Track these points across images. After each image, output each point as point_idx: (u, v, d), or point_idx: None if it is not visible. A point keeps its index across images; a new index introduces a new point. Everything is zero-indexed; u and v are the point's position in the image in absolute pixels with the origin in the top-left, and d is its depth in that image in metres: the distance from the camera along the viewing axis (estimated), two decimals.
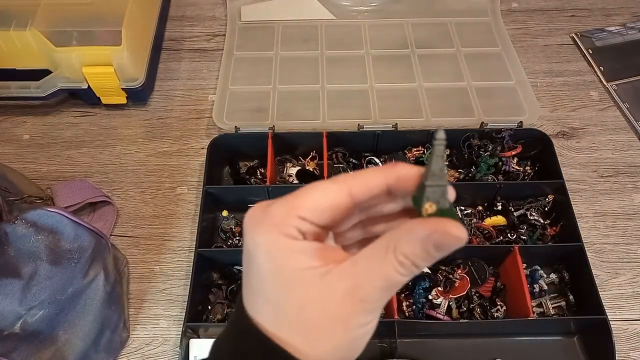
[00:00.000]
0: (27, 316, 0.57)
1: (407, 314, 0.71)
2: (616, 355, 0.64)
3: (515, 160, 0.82)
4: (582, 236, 0.72)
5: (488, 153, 0.81)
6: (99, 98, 0.90)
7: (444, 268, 0.73)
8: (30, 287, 0.57)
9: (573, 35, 1.03)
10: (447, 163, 0.82)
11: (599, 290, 0.68)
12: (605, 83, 0.96)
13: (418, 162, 0.82)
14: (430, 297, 0.70)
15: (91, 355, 0.63)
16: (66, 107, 0.93)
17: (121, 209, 0.82)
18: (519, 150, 0.82)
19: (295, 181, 0.81)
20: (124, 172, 0.86)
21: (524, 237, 0.76)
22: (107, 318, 0.65)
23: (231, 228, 0.78)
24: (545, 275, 0.74)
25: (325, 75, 0.94)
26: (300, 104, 0.91)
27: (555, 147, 0.80)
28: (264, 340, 0.28)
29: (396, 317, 0.65)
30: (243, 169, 0.84)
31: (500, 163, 0.81)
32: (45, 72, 0.86)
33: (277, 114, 0.89)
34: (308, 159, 0.84)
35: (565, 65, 0.99)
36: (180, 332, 0.67)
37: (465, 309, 0.71)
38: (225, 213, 0.78)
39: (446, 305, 0.70)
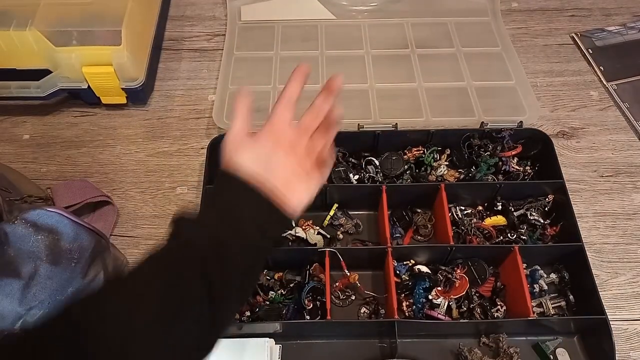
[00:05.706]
0: (27, 316, 0.56)
1: (407, 314, 0.71)
2: (616, 355, 0.64)
3: (515, 160, 0.82)
4: (582, 236, 0.72)
5: (488, 153, 0.81)
6: (99, 98, 0.90)
7: (444, 268, 0.73)
8: (30, 287, 0.57)
9: (573, 35, 1.03)
10: (447, 163, 0.82)
11: (599, 290, 0.68)
12: (605, 83, 0.96)
13: (418, 161, 0.82)
14: (430, 297, 0.70)
15: None
16: (66, 107, 0.93)
17: (121, 209, 0.82)
18: (519, 150, 0.82)
19: None
20: (124, 172, 0.86)
21: (524, 237, 0.76)
22: None
23: None
24: (545, 275, 0.73)
25: (325, 75, 0.94)
26: (300, 104, 0.90)
27: (555, 147, 0.80)
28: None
29: (396, 317, 0.66)
30: None
31: (501, 163, 0.81)
32: (45, 72, 0.86)
33: None
34: None
35: (565, 65, 0.99)
36: None
37: (465, 309, 0.71)
38: None
39: (446, 305, 0.70)
